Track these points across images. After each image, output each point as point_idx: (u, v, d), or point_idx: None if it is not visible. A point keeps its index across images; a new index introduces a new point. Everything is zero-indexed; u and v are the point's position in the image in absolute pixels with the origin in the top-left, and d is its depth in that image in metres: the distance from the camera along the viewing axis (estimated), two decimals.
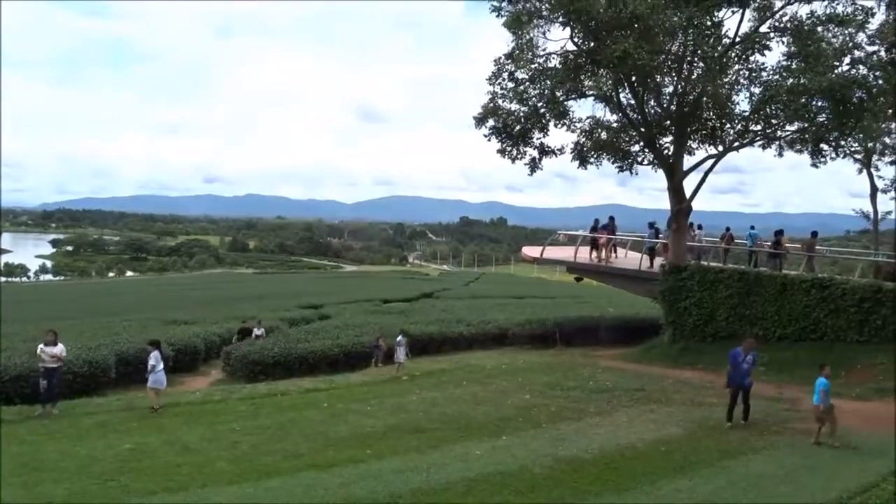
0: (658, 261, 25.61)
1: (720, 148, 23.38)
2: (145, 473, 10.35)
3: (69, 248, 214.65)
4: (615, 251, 28.01)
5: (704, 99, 21.82)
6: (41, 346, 14.34)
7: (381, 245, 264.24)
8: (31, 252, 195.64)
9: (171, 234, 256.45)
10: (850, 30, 20.47)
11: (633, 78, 21.63)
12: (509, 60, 22.20)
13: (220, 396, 16.70)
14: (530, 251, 34.82)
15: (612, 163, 24.60)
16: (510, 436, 12.94)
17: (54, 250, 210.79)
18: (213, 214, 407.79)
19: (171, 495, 9.38)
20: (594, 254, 27.31)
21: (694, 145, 23.99)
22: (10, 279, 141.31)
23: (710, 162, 23.61)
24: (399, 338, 21.18)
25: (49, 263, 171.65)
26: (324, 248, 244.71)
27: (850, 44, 20.84)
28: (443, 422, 14.08)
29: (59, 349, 14.46)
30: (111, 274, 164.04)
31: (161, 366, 15.13)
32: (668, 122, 22.91)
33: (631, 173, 24.63)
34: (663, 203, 25.03)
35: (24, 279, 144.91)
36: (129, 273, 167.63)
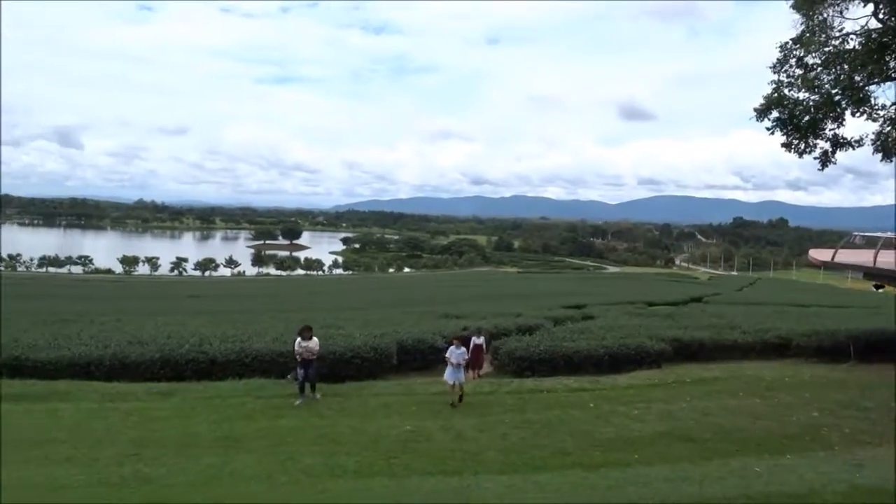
0: None
1: None
2: (424, 455, 11.11)
3: (357, 245, 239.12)
4: None
5: None
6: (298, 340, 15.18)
7: (645, 246, 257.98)
8: (325, 249, 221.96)
9: (443, 233, 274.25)
10: None
11: None
12: (797, 45, 20.23)
13: (490, 389, 17.37)
14: (818, 254, 31.44)
15: None
16: (795, 455, 11.77)
17: (344, 247, 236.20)
18: (480, 215, 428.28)
19: (446, 478, 9.94)
20: None
21: None
22: (308, 272, 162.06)
23: None
24: None
25: (340, 259, 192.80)
26: (586, 249, 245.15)
27: None
28: (716, 433, 13.24)
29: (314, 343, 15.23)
30: (391, 269, 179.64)
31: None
32: None
33: None
34: None
35: (320, 273, 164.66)
36: (406, 269, 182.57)
